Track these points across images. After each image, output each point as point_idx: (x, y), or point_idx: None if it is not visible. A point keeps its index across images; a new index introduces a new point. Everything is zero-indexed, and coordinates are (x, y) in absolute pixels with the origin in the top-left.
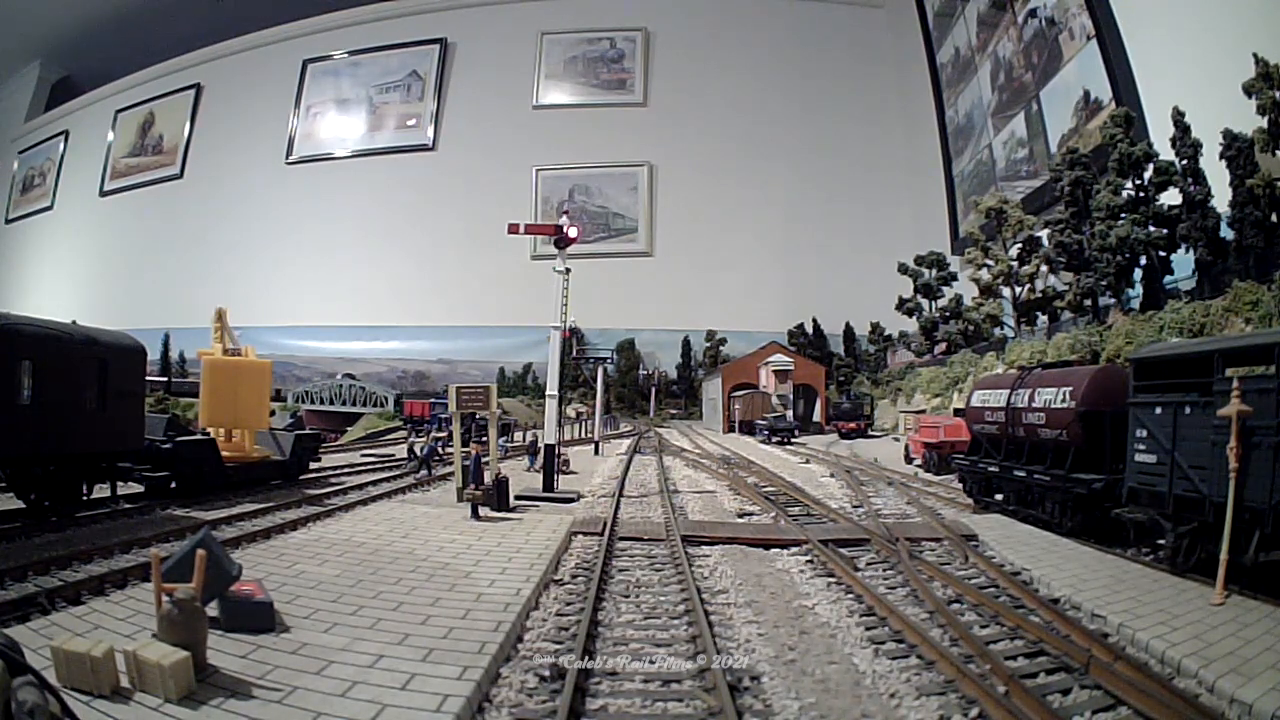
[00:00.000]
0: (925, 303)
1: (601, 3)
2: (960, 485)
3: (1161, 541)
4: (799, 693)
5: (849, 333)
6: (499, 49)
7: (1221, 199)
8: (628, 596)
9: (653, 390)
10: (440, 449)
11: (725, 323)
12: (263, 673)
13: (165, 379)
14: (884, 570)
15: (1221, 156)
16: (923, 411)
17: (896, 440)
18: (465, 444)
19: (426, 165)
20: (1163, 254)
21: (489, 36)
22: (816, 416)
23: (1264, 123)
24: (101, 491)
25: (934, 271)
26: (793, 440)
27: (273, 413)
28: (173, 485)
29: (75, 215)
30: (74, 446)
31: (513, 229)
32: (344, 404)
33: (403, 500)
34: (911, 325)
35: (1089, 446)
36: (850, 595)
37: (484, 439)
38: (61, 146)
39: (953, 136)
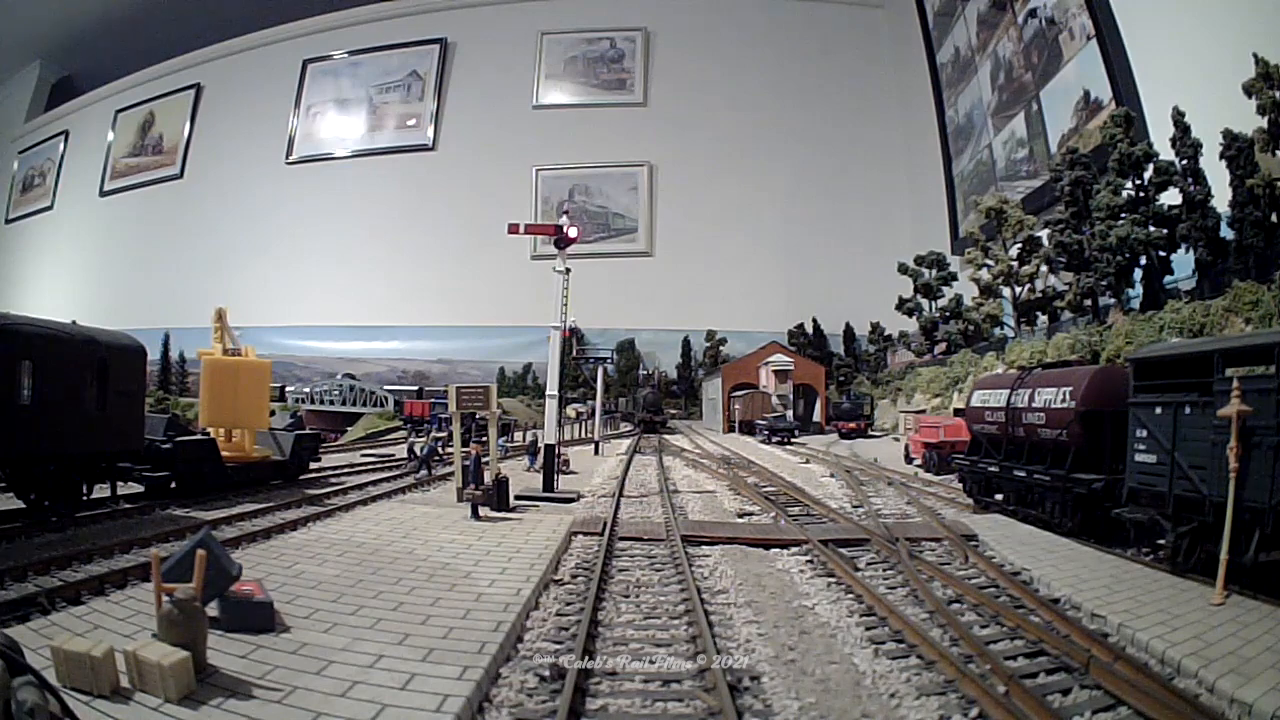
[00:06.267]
0: (925, 303)
1: (601, 3)
2: (960, 485)
3: (1161, 541)
4: (799, 693)
5: (849, 333)
6: (499, 49)
7: (1221, 199)
8: (628, 596)
9: None
10: (440, 449)
11: (725, 323)
12: (263, 673)
13: None
14: (884, 570)
15: (1221, 156)
16: (923, 411)
17: (896, 440)
18: (465, 444)
19: (427, 165)
20: (1163, 254)
21: (489, 36)
22: (816, 416)
23: (1264, 123)
24: (101, 491)
25: (934, 271)
26: (793, 440)
27: (273, 413)
28: (173, 485)
29: (75, 215)
30: (74, 446)
31: (513, 229)
32: (344, 404)
33: (403, 500)
34: (911, 325)
35: (1089, 446)
36: (850, 595)
37: (484, 439)
38: (61, 146)
39: (953, 136)
